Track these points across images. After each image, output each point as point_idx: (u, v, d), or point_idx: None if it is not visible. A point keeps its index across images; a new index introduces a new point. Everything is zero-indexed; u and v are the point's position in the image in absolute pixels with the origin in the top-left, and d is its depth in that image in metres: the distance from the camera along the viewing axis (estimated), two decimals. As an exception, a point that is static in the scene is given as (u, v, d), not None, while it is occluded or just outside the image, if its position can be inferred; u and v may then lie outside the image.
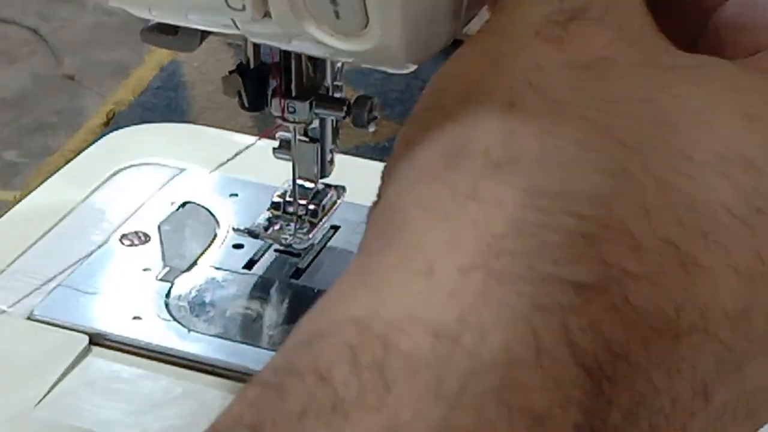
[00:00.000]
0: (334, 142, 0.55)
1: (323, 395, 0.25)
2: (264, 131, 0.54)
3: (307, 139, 0.54)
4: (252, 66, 0.50)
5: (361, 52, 0.43)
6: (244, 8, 0.42)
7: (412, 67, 0.44)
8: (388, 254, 0.27)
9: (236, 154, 0.60)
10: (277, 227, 0.55)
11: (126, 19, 0.48)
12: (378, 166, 0.67)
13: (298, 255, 0.56)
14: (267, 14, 0.42)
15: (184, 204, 0.57)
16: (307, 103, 0.50)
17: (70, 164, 0.65)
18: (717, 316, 0.27)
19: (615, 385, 0.25)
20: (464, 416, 0.24)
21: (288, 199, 0.55)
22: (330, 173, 0.55)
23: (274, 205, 0.55)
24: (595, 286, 0.26)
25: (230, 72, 0.50)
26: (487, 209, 0.27)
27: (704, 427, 0.28)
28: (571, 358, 0.25)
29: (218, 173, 0.62)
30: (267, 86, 0.50)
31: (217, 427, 0.26)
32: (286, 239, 0.54)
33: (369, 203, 0.58)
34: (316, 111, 0.51)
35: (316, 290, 0.54)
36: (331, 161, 0.55)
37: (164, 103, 0.87)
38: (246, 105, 0.51)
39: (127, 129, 0.69)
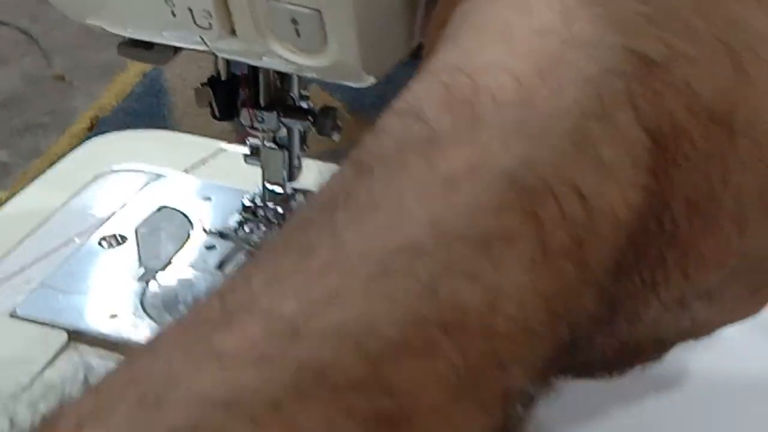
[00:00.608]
0: (302, 148, 0.57)
1: (419, 129, 0.27)
2: (236, 137, 0.56)
3: (275, 146, 0.56)
4: (223, 78, 0.53)
5: (321, 67, 0.46)
6: (211, 27, 0.45)
7: (371, 80, 0.47)
8: (473, 22, 0.30)
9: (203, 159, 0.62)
10: (247, 230, 0.58)
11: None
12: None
13: None
14: (233, 32, 0.46)
15: (160, 208, 0.60)
16: (274, 114, 0.53)
17: (52, 168, 0.67)
18: (763, 129, 0.29)
19: (678, 169, 0.28)
20: (546, 152, 0.26)
21: (258, 203, 0.58)
22: (297, 178, 0.58)
23: (245, 209, 0.58)
24: (659, 62, 0.28)
25: (202, 84, 0.53)
26: None
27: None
28: (636, 121, 0.27)
29: (193, 178, 0.64)
30: (237, 97, 0.53)
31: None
32: (255, 241, 0.57)
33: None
34: (283, 120, 0.54)
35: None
36: (299, 167, 0.57)
37: (146, 109, 0.90)
38: (217, 115, 0.53)
39: (107, 135, 0.72)
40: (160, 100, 0.91)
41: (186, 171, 0.65)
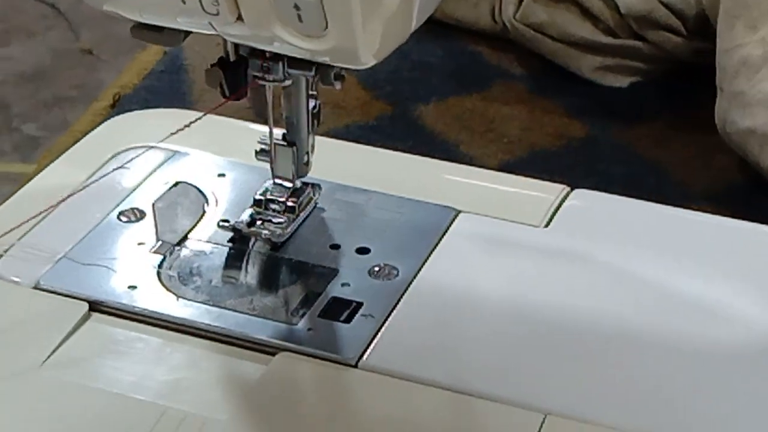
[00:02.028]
0: (313, 125, 0.59)
1: None
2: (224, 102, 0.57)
3: (284, 143, 0.59)
4: (232, 59, 0.55)
5: (323, 51, 0.48)
6: (218, 13, 0.48)
7: (372, 63, 0.49)
8: None
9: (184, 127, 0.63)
10: (258, 223, 0.60)
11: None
12: (362, 150, 0.73)
13: (276, 247, 0.60)
14: (240, 18, 0.48)
15: (176, 183, 0.63)
16: (280, 64, 0.54)
17: (75, 146, 0.70)
18: None
19: None
20: None
21: (269, 197, 0.60)
22: (306, 174, 0.60)
23: (256, 203, 0.60)
24: None
25: (212, 65, 0.55)
26: None
27: None
28: None
29: (209, 155, 0.67)
30: (245, 77, 0.56)
31: None
32: (265, 234, 0.59)
33: (352, 184, 0.64)
34: (289, 71, 0.55)
35: (293, 260, 0.59)
36: (307, 163, 0.60)
37: (166, 87, 0.93)
38: (227, 94, 0.56)
39: (127, 115, 0.74)
40: (180, 78, 0.93)
41: (202, 148, 0.67)
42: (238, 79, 0.55)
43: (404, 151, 0.70)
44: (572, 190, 0.64)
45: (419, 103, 0.92)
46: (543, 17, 0.94)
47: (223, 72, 0.55)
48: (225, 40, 0.55)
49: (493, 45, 0.99)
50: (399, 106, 0.92)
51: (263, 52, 0.54)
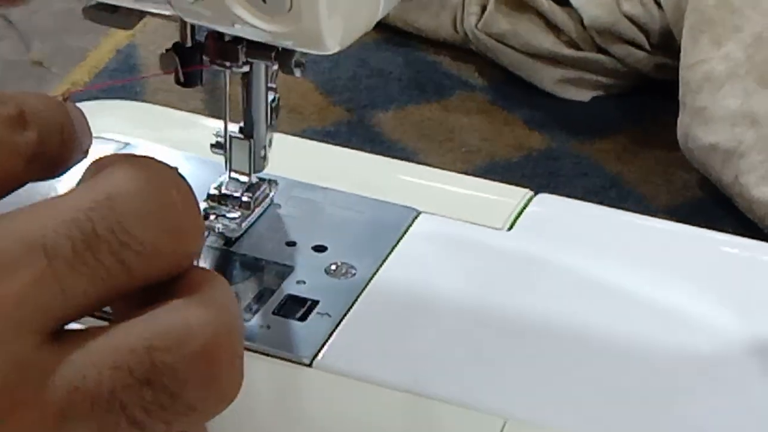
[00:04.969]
0: (270, 124, 0.58)
1: None
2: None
3: (241, 136, 0.57)
4: (188, 45, 0.53)
5: (285, 33, 0.46)
6: (178, -10, 0.46)
7: (336, 49, 0.48)
8: None
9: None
10: (212, 217, 0.58)
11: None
12: (322, 148, 0.71)
13: (230, 242, 0.58)
14: (200, -5, 0.46)
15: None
16: (239, 48, 0.52)
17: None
18: None
19: None
20: None
21: (224, 191, 0.58)
22: (263, 169, 0.58)
23: (210, 197, 0.58)
24: None
25: (167, 50, 0.53)
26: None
27: None
28: None
29: (162, 147, 0.65)
30: (201, 63, 0.54)
31: None
32: (219, 228, 0.57)
33: (311, 181, 0.62)
34: (248, 58, 0.53)
35: (247, 256, 0.57)
36: (264, 158, 0.58)
37: (119, 85, 0.91)
38: (181, 80, 0.54)
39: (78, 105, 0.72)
40: (134, 76, 0.91)
41: (155, 141, 0.65)
42: (193, 65, 0.53)
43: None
44: (536, 194, 0.63)
45: (378, 111, 0.91)
46: (505, 27, 0.93)
47: (179, 57, 0.53)
48: (183, 23, 0.53)
49: (454, 54, 0.98)
50: (357, 112, 0.90)
51: (221, 35, 0.52)
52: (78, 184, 0.33)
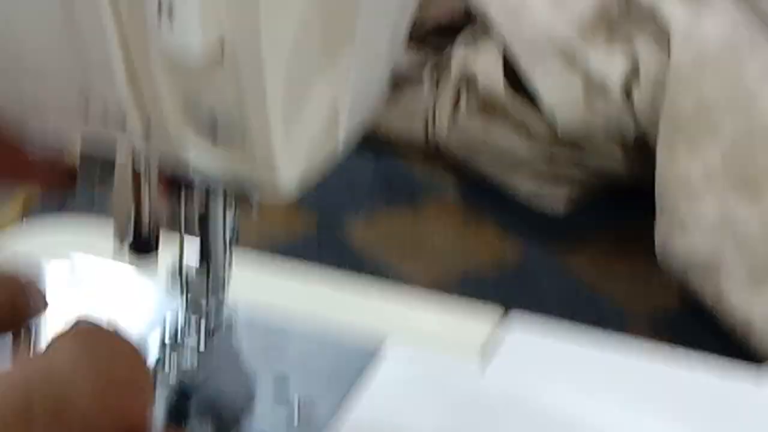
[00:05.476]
0: (225, 272, 0.52)
1: None
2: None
3: (198, 268, 0.51)
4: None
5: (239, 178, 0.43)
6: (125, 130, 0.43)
7: (290, 194, 0.44)
8: None
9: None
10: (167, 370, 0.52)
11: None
12: (283, 266, 0.68)
13: (187, 396, 0.53)
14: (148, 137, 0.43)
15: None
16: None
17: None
18: None
19: None
20: None
21: (178, 339, 0.52)
22: (222, 303, 0.53)
23: (163, 345, 0.52)
24: None
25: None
26: None
27: None
28: None
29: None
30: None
31: None
32: (173, 378, 0.52)
33: (273, 304, 0.58)
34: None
35: (204, 392, 0.54)
36: (223, 288, 0.52)
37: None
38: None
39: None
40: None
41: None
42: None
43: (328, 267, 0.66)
44: (509, 310, 0.60)
45: (346, 218, 0.88)
46: (477, 133, 0.91)
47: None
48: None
49: (425, 159, 0.95)
50: (324, 219, 0.88)
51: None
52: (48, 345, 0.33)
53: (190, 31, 0.37)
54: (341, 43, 0.41)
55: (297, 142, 0.43)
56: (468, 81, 0.91)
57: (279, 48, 0.38)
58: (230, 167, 0.43)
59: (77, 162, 0.47)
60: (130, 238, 0.48)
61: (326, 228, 0.87)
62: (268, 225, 0.86)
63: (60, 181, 0.47)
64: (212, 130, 0.42)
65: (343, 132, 0.45)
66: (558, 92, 0.86)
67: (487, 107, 0.90)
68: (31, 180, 0.47)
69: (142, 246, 0.48)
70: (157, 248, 0.49)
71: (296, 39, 0.39)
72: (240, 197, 0.50)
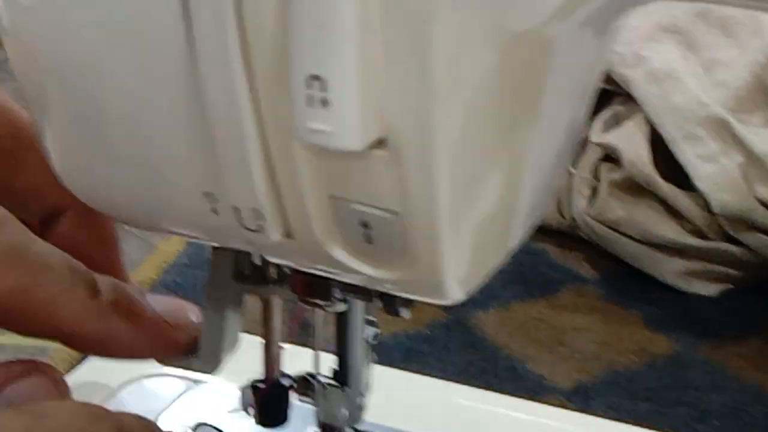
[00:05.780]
0: (364, 385, 0.48)
1: None
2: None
3: (334, 382, 0.47)
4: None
5: (395, 281, 0.37)
6: (261, 230, 0.36)
7: (461, 298, 0.37)
8: None
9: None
10: None
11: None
12: (416, 379, 0.60)
13: None
14: (288, 236, 0.37)
15: (196, 426, 0.50)
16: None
17: (73, 374, 0.58)
18: None
19: None
20: None
21: None
22: (359, 420, 0.48)
23: None
24: None
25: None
26: None
27: None
28: None
29: (231, 385, 0.55)
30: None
31: None
32: None
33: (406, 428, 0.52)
34: (345, 295, 0.43)
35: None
36: (361, 407, 0.48)
37: (189, 283, 0.81)
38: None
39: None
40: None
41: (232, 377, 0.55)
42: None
43: (461, 367, 0.58)
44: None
45: (477, 309, 0.81)
46: (620, 214, 0.83)
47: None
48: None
49: (561, 243, 0.88)
50: (454, 312, 0.80)
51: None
52: None
53: (347, 120, 0.30)
54: (522, 126, 0.34)
55: (465, 239, 0.35)
56: (609, 158, 0.84)
57: (450, 136, 0.31)
58: (387, 271, 0.36)
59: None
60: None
61: (456, 321, 0.80)
62: (392, 317, 0.79)
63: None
64: (365, 228, 0.35)
65: (519, 229, 0.38)
66: (713, 171, 0.79)
67: (632, 186, 0.82)
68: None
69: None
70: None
71: (469, 125, 0.32)
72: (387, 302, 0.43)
